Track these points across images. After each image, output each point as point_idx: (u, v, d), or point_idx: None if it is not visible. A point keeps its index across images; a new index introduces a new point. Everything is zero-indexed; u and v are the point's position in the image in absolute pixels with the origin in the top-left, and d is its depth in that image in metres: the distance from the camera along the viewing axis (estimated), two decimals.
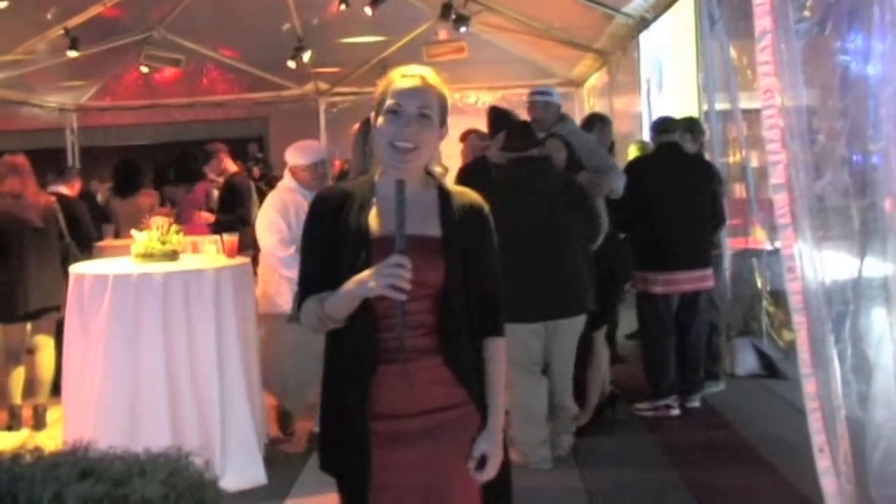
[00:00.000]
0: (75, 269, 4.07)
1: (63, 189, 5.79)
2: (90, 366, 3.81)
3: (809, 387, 2.67)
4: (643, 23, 7.89)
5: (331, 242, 1.98)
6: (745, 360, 5.91)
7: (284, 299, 4.31)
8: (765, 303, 5.97)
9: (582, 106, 11.20)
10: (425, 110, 1.96)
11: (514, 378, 4.13)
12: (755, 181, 6.36)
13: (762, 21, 2.78)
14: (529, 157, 4.36)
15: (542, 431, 4.33)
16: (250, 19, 9.86)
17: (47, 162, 9.34)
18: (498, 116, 5.00)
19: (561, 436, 4.45)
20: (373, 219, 1.98)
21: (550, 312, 4.27)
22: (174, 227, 4.17)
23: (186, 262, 4.27)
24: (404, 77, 2.01)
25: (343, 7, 8.85)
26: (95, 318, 3.78)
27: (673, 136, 5.29)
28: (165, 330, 3.83)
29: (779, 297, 5.71)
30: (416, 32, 9.84)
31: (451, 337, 1.97)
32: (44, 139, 12.10)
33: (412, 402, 1.94)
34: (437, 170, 2.17)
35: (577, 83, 11.28)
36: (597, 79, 10.57)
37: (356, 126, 3.97)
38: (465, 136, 5.75)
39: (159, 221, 4.09)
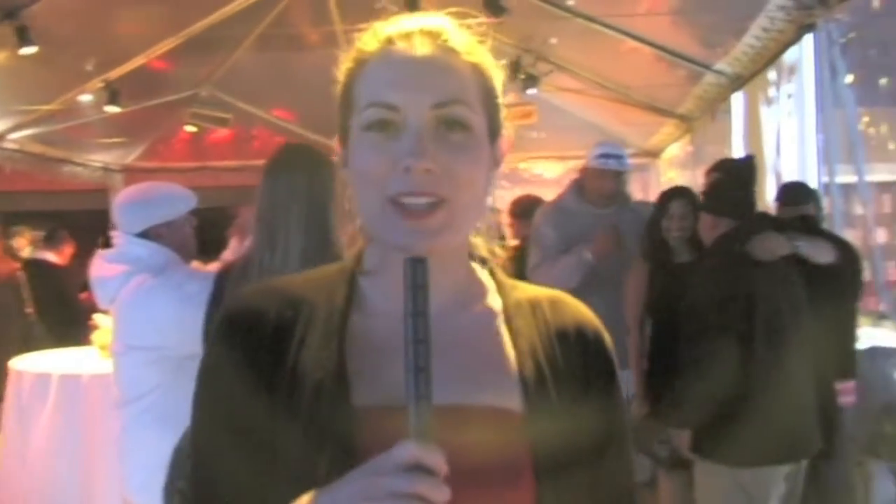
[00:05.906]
0: (15, 364, 3.14)
1: (49, 256, 4.93)
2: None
3: None
4: (738, 81, 6.93)
5: (260, 417, 0.88)
6: (884, 491, 4.75)
7: None
8: None
9: (658, 180, 10.21)
10: (453, 109, 0.89)
11: None
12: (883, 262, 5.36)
13: None
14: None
15: None
16: (306, 78, 9.28)
17: (89, 225, 8.74)
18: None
19: None
20: (357, 361, 0.89)
21: (809, 447, 3.14)
22: None
23: None
24: (395, 39, 0.91)
25: None
26: (35, 430, 2.83)
27: (808, 207, 4.25)
28: None
29: None
30: None
31: None
32: (87, 200, 11.58)
33: None
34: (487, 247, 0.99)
35: (654, 153, 10.32)
36: (678, 148, 9.59)
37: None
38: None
39: None
